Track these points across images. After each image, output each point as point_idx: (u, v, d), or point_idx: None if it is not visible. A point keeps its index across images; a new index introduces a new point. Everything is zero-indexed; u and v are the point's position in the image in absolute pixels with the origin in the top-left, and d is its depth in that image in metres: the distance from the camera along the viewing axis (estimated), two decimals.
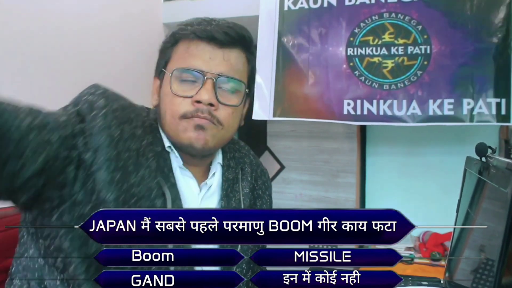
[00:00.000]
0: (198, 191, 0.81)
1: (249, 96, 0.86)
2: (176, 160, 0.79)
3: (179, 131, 0.77)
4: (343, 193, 2.23)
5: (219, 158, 0.87)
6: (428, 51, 1.51)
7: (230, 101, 0.78)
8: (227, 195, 0.84)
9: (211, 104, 0.76)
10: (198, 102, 0.75)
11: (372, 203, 2.21)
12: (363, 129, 2.20)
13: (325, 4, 1.61)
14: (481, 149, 0.86)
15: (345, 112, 1.59)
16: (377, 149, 2.19)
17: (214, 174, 0.84)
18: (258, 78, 1.66)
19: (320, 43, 1.62)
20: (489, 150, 0.87)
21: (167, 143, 0.79)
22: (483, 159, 0.87)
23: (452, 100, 1.48)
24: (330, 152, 2.27)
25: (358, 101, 1.57)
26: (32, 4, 1.53)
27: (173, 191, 0.75)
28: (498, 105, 1.44)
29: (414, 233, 1.95)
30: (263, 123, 2.45)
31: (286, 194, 2.42)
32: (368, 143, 2.22)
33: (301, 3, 1.64)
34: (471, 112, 1.47)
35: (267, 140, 2.47)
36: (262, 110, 1.66)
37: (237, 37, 0.79)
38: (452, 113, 1.48)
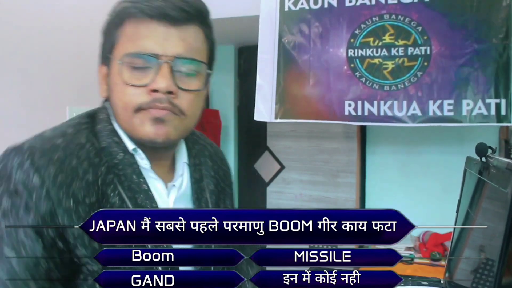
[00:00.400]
0: (167, 193, 0.74)
1: (211, 75, 0.76)
2: (141, 162, 0.71)
3: (135, 125, 0.68)
4: (343, 193, 2.23)
5: (184, 157, 0.79)
6: (428, 52, 1.51)
7: (191, 85, 0.69)
8: (198, 198, 0.78)
9: (170, 92, 0.66)
10: (155, 91, 0.66)
11: (372, 203, 2.21)
12: (363, 129, 2.20)
13: (326, 5, 1.61)
14: (481, 149, 0.87)
15: (346, 113, 1.59)
16: (377, 149, 2.20)
17: (181, 175, 0.77)
18: (259, 79, 1.67)
19: (320, 44, 1.62)
20: (489, 150, 0.87)
21: (130, 146, 0.70)
22: (483, 159, 0.87)
23: (451, 101, 1.49)
24: (330, 152, 2.27)
25: (359, 102, 1.58)
26: (32, 3, 1.53)
27: (145, 204, 0.69)
28: (498, 105, 1.44)
29: (414, 233, 1.96)
30: (263, 123, 2.45)
31: (286, 194, 2.42)
32: (368, 143, 2.22)
33: (302, 3, 1.64)
34: (471, 113, 1.47)
35: (267, 140, 2.48)
36: (264, 111, 1.67)
37: (193, 11, 0.69)
38: (452, 113, 1.49)
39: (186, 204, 0.77)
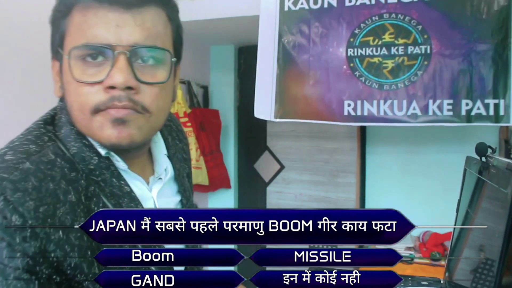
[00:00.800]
0: (149, 188, 0.69)
1: (178, 64, 0.67)
2: (118, 164, 0.64)
3: (94, 129, 0.60)
4: (343, 193, 2.24)
5: (163, 149, 0.73)
6: (428, 51, 1.51)
7: (154, 77, 0.60)
8: (184, 188, 0.75)
9: (129, 88, 0.58)
10: (112, 87, 0.57)
11: (372, 203, 2.21)
12: (363, 129, 2.20)
13: (325, 5, 1.61)
14: (481, 149, 0.87)
15: (346, 113, 1.59)
16: (377, 149, 2.20)
17: (166, 169, 0.72)
18: (259, 79, 1.66)
19: (320, 43, 1.62)
20: (489, 150, 0.87)
21: (102, 151, 0.63)
22: (483, 159, 0.87)
23: (451, 101, 1.49)
24: (330, 152, 2.28)
25: (359, 102, 1.57)
26: (32, 2, 1.53)
27: (131, 208, 0.64)
28: (496, 106, 1.44)
29: (414, 233, 1.96)
30: (263, 123, 2.45)
31: (286, 194, 2.42)
32: (368, 143, 2.22)
33: (301, 3, 1.64)
34: (470, 113, 1.47)
35: (267, 140, 2.48)
36: (264, 111, 1.66)
37: None
38: (451, 113, 1.49)
39: (170, 194, 0.74)
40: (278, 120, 1.67)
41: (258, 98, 1.66)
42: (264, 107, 1.67)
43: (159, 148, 0.73)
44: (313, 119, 1.64)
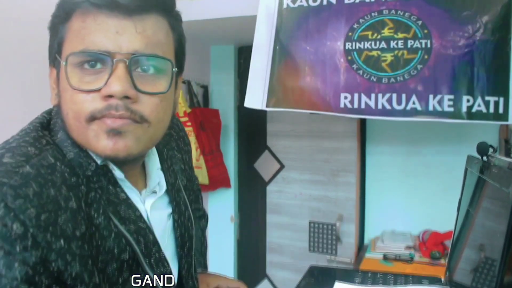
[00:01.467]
0: (142, 201, 0.67)
1: (180, 75, 0.67)
2: (115, 173, 0.62)
3: (89, 138, 0.58)
4: (343, 192, 2.23)
5: (157, 162, 0.72)
6: (429, 46, 1.48)
7: (154, 87, 0.59)
8: (176, 201, 0.74)
9: (127, 97, 0.56)
10: (110, 96, 0.56)
11: (372, 203, 2.21)
12: (363, 128, 2.20)
13: (325, 2, 1.60)
14: (482, 148, 0.86)
15: (342, 105, 1.55)
16: (377, 149, 2.20)
17: (158, 183, 0.71)
18: (252, 73, 1.64)
19: (318, 38, 1.60)
20: (490, 149, 0.86)
21: (98, 159, 0.61)
22: (484, 158, 0.87)
23: (452, 96, 1.46)
24: (330, 152, 2.27)
25: (355, 95, 1.54)
26: (32, 2, 1.53)
27: (129, 215, 0.61)
28: (496, 103, 1.43)
29: (414, 232, 1.96)
30: (263, 123, 2.45)
31: (286, 194, 2.42)
32: (368, 142, 2.22)
33: (300, 1, 1.63)
34: (470, 110, 1.45)
35: (267, 139, 2.47)
36: (255, 100, 1.63)
37: None
38: (451, 109, 1.46)
39: (162, 207, 0.72)
40: (269, 109, 1.64)
41: (250, 88, 1.64)
42: (256, 96, 1.64)
43: (153, 162, 0.71)
44: (308, 109, 1.60)
